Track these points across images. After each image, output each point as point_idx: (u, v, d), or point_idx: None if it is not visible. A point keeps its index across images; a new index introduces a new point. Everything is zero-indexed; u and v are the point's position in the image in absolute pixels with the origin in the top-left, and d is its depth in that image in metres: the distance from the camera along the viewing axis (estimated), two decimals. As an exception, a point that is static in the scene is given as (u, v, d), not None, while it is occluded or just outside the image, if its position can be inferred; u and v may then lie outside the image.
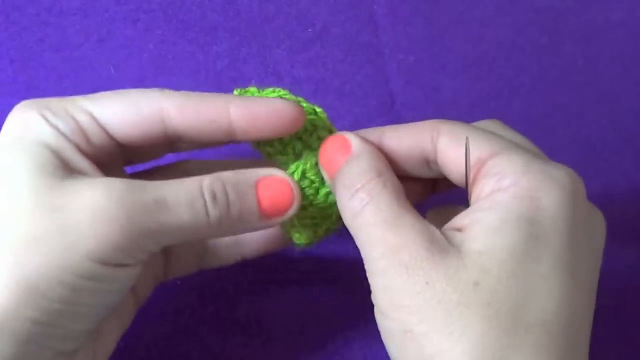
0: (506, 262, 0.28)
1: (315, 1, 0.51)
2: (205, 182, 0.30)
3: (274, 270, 0.42)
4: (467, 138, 0.31)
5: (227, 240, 0.38)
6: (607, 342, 0.41)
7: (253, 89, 0.34)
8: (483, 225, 0.29)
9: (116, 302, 0.30)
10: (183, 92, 0.31)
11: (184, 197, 0.29)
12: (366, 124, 0.48)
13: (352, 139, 0.33)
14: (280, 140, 0.34)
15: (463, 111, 0.49)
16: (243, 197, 0.31)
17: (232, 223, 0.31)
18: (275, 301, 0.41)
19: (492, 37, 0.52)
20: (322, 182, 0.34)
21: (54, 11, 0.49)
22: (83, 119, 0.30)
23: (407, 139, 0.33)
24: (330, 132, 0.34)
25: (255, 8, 0.51)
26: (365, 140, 0.33)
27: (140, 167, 0.37)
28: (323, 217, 0.35)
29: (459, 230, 0.30)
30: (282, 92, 0.34)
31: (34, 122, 0.29)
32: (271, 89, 0.34)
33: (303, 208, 0.34)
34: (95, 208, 0.27)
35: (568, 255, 0.28)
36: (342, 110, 0.48)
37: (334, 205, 0.34)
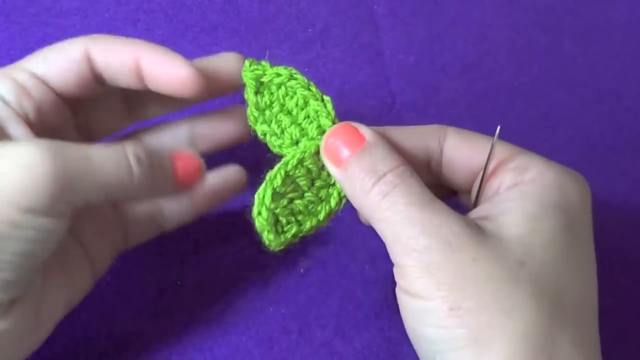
0: (549, 245, 0.29)
1: (315, 1, 0.51)
2: (129, 146, 0.31)
3: (273, 270, 0.42)
4: (498, 128, 0.32)
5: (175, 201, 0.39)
6: (607, 342, 0.41)
7: (266, 63, 0.34)
8: (519, 212, 0.30)
9: (40, 254, 0.30)
10: (107, 36, 0.34)
11: (110, 155, 0.30)
12: (366, 124, 0.48)
13: (364, 130, 0.32)
14: (278, 123, 0.34)
15: (463, 111, 0.49)
16: (162, 161, 0.32)
17: (154, 183, 0.32)
18: (275, 301, 0.41)
19: (492, 37, 0.52)
20: (318, 173, 0.34)
21: (54, 11, 0.49)
22: (21, 77, 0.33)
23: (412, 137, 0.34)
24: (333, 124, 0.34)
25: (255, 8, 0.51)
26: (377, 132, 0.33)
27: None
28: (309, 213, 0.34)
29: (486, 219, 0.30)
30: (294, 71, 0.34)
31: None
32: (283, 66, 0.34)
33: (290, 200, 0.34)
34: (22, 160, 0.28)
35: (589, 245, 0.31)
36: (342, 110, 0.48)
37: (324, 201, 0.34)
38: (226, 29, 0.50)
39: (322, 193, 0.34)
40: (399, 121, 0.48)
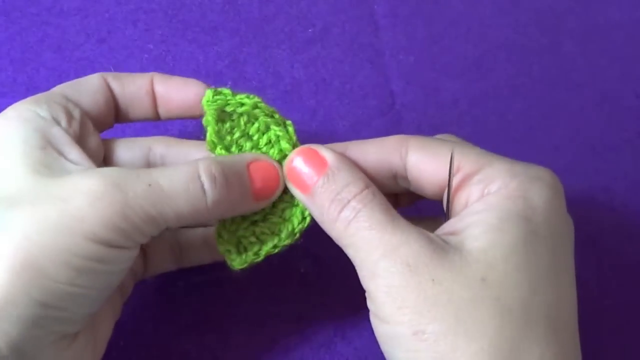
0: (510, 257, 0.28)
1: (315, 1, 0.51)
2: (201, 165, 0.31)
3: (273, 270, 0.42)
4: (452, 151, 0.31)
5: (198, 237, 0.38)
6: (607, 341, 0.42)
7: (227, 91, 0.34)
8: (482, 224, 0.29)
9: (115, 284, 0.31)
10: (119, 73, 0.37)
11: (179, 180, 0.30)
12: (366, 124, 0.48)
13: (326, 153, 0.32)
14: (239, 147, 0.34)
15: (463, 111, 0.49)
16: (240, 178, 0.32)
17: (230, 204, 0.31)
18: (275, 301, 0.41)
19: (492, 37, 0.52)
20: (280, 195, 0.34)
21: (54, 11, 0.49)
22: (62, 101, 0.33)
23: (373, 154, 0.33)
24: (294, 148, 0.34)
25: (255, 8, 0.51)
26: (338, 153, 0.33)
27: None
28: (272, 233, 0.34)
29: (452, 234, 0.30)
30: (257, 99, 0.34)
31: (28, 115, 0.32)
32: (246, 95, 0.34)
33: (253, 222, 0.34)
34: (93, 193, 0.28)
35: (560, 251, 0.29)
36: (342, 110, 0.48)
37: (288, 220, 0.34)
38: (226, 29, 0.50)
39: (286, 213, 0.34)
40: (399, 121, 0.48)
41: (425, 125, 0.48)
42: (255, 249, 0.34)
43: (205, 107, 0.34)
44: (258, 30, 0.50)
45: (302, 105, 0.48)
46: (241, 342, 0.40)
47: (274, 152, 0.34)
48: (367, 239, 0.30)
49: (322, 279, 0.42)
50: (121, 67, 0.48)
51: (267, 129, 0.34)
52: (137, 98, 0.36)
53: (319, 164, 0.32)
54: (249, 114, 0.34)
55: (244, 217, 0.34)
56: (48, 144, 0.31)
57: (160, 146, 0.36)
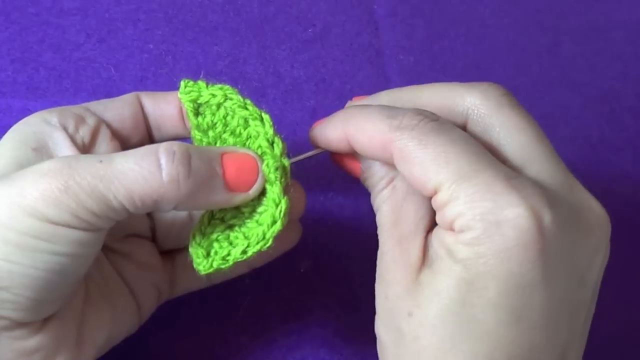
0: (436, 301, 0.27)
1: (315, 1, 0.51)
2: (164, 144, 0.29)
3: (273, 270, 0.42)
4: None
5: None
6: (607, 341, 0.41)
7: (202, 83, 0.34)
8: (430, 259, 0.29)
9: (77, 271, 0.30)
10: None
11: (134, 155, 0.29)
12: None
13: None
14: (223, 142, 0.33)
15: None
16: (208, 162, 0.30)
17: (194, 186, 0.29)
18: (276, 301, 0.41)
19: (492, 37, 0.52)
20: (259, 199, 0.32)
21: (54, 11, 0.49)
22: (79, 111, 0.33)
23: (369, 153, 0.31)
24: (273, 143, 0.32)
25: (255, 8, 0.51)
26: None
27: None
28: (244, 238, 0.32)
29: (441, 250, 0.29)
30: (229, 90, 0.33)
31: (32, 121, 0.32)
32: (218, 86, 0.34)
33: (230, 227, 0.32)
34: (41, 171, 0.28)
35: (511, 299, 0.26)
36: (342, 110, 0.48)
37: (261, 225, 0.32)
38: (226, 29, 0.50)
39: (262, 218, 0.32)
40: (399, 121, 0.48)
41: (425, 125, 0.48)
42: (224, 253, 0.32)
43: (181, 99, 0.34)
44: (258, 30, 0.50)
45: (302, 105, 0.48)
46: (241, 342, 0.40)
47: (254, 147, 0.33)
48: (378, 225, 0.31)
49: (322, 279, 0.42)
50: (121, 67, 0.48)
51: (247, 123, 0.33)
52: (168, 115, 0.35)
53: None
54: (225, 107, 0.34)
55: (222, 220, 0.33)
56: (42, 147, 0.31)
57: None
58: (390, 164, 0.31)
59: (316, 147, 0.34)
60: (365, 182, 0.33)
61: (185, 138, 0.37)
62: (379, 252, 0.31)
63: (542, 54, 0.52)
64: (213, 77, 0.48)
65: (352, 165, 0.33)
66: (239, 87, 0.34)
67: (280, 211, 0.31)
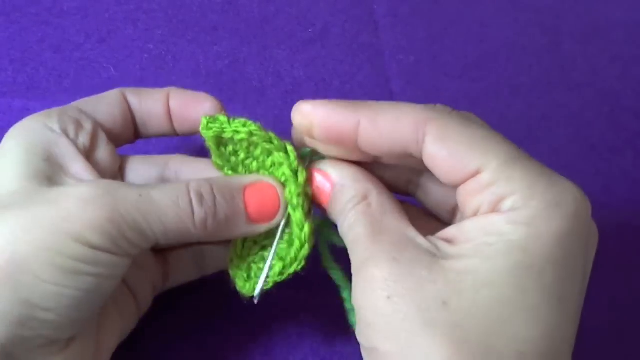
0: (486, 287, 0.26)
1: (315, 1, 0.51)
2: (192, 184, 0.31)
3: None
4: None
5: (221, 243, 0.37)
6: (607, 342, 0.41)
7: (223, 118, 0.33)
8: (471, 245, 0.27)
9: (105, 292, 0.31)
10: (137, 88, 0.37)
11: (169, 194, 0.30)
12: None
13: (331, 170, 0.32)
14: (245, 167, 0.34)
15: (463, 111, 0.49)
16: (230, 200, 0.32)
17: (219, 225, 0.31)
18: (276, 301, 0.41)
19: (492, 37, 0.52)
20: (290, 220, 0.33)
21: (54, 11, 0.49)
22: (74, 114, 0.34)
23: (387, 137, 0.29)
24: (296, 172, 0.32)
25: (255, 8, 0.51)
26: (345, 166, 0.32)
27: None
28: (280, 259, 0.33)
29: (449, 241, 0.28)
30: (253, 127, 0.32)
31: (36, 127, 0.33)
32: (241, 121, 0.32)
33: (263, 248, 0.34)
34: (84, 197, 0.29)
35: (560, 285, 0.27)
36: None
37: (292, 246, 0.32)
38: (226, 29, 0.50)
39: (293, 238, 0.33)
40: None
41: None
42: (258, 277, 0.33)
43: (203, 134, 0.33)
44: (258, 30, 0.50)
45: (302, 105, 0.48)
46: (241, 342, 0.40)
47: (279, 174, 0.33)
48: (351, 252, 0.30)
49: (322, 279, 0.42)
50: (121, 67, 0.48)
51: (270, 153, 0.33)
52: (154, 113, 0.36)
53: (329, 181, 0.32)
54: (248, 141, 0.33)
55: (255, 242, 0.34)
56: (51, 156, 0.32)
57: (176, 163, 0.36)
58: (388, 165, 0.31)
59: (305, 133, 0.32)
60: (331, 208, 0.32)
61: (172, 135, 0.37)
62: (357, 265, 0.29)
63: (542, 54, 0.52)
64: (213, 77, 0.48)
65: (323, 187, 0.32)
66: (240, 87, 0.34)
67: (305, 235, 0.32)
